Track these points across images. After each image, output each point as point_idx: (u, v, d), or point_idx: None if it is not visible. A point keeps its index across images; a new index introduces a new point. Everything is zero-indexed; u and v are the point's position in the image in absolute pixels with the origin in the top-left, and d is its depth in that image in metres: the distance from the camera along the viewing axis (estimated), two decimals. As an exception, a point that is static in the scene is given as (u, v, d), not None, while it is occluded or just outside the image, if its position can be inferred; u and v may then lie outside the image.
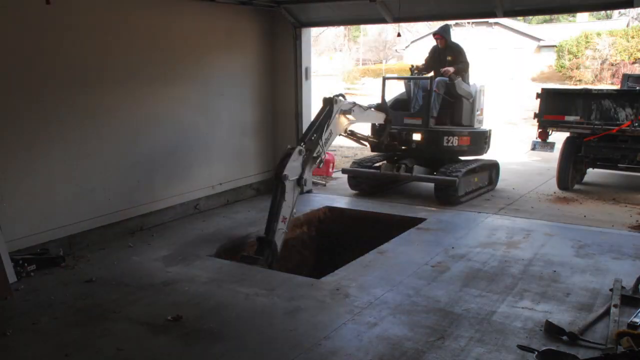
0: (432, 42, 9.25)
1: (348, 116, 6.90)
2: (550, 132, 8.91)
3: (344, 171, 8.90)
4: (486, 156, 9.06)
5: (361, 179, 8.64)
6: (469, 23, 31.99)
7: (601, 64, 30.08)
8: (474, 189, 8.43)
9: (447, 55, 8.82)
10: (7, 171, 5.38)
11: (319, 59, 40.40)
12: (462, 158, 8.73)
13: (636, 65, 29.28)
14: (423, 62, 9.10)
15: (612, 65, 29.94)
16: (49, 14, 5.39)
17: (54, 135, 5.76)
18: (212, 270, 5.51)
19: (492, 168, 8.99)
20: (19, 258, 5.30)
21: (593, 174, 9.66)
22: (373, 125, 8.44)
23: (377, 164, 8.73)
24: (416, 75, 8.74)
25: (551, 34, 34.72)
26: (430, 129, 8.31)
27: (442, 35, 8.74)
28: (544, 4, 7.32)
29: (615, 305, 4.43)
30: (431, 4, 7.45)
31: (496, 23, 33.83)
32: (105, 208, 6.31)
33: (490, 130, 9.05)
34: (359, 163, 8.81)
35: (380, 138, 8.26)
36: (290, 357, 3.82)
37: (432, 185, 8.33)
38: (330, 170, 10.07)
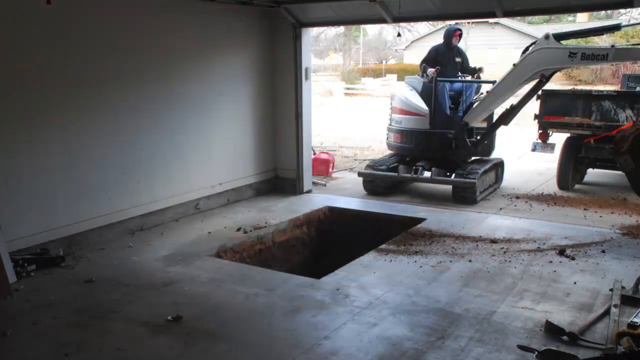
0: (433, 42, 9.28)
1: None
2: (551, 133, 8.92)
3: (359, 174, 8.91)
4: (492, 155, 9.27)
5: (377, 181, 8.71)
6: (469, 23, 31.98)
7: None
8: (486, 187, 8.56)
9: (456, 56, 8.94)
10: (7, 171, 5.38)
11: (319, 59, 40.41)
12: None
13: (636, 65, 29.27)
14: (422, 63, 9.04)
15: (612, 65, 29.93)
16: (49, 14, 5.39)
17: (54, 135, 5.76)
18: (212, 270, 5.51)
19: (498, 167, 9.13)
20: (19, 258, 5.30)
21: (593, 174, 9.66)
22: None
23: (393, 166, 8.81)
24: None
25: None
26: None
27: (461, 32, 8.96)
28: (544, 4, 7.30)
29: (615, 305, 4.43)
30: (431, 4, 7.44)
31: (496, 23, 33.84)
32: (105, 208, 6.31)
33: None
34: (375, 165, 8.83)
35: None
36: (290, 357, 3.82)
37: (434, 185, 8.51)
38: (330, 170, 10.08)
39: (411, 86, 8.95)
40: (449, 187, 8.40)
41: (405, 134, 8.78)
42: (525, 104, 7.87)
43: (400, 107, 8.90)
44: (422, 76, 8.90)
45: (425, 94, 8.66)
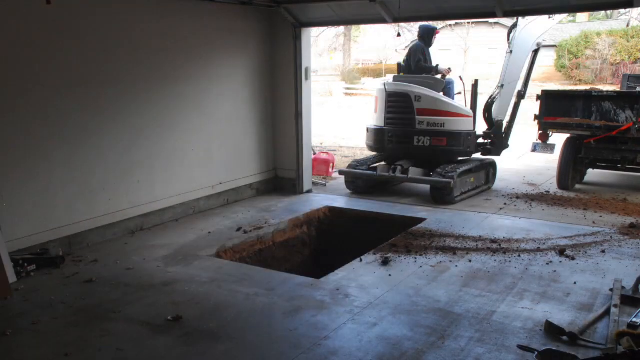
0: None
1: None
2: (551, 133, 8.92)
3: (340, 172, 8.92)
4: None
5: (358, 180, 8.67)
6: (468, 23, 32.00)
7: (601, 64, 30.10)
8: (470, 188, 8.48)
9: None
10: (7, 171, 5.38)
11: (319, 59, 40.40)
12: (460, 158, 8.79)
13: (636, 65, 29.31)
14: (423, 62, 8.92)
15: (612, 65, 29.97)
16: (49, 14, 5.40)
17: (54, 135, 5.76)
18: (212, 270, 5.51)
19: (489, 167, 9.02)
20: (19, 258, 5.30)
21: (593, 173, 9.67)
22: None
23: (374, 165, 8.78)
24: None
25: (551, 34, 34.75)
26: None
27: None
28: (544, 4, 7.31)
29: (615, 305, 4.43)
30: (431, 4, 7.44)
31: (496, 23, 33.85)
32: (105, 208, 6.31)
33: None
34: (356, 165, 8.80)
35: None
36: (290, 357, 3.82)
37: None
38: (330, 170, 10.08)
39: None
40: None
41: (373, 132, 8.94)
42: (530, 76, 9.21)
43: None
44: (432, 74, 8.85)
45: None
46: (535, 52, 8.95)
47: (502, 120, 8.97)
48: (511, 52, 8.80)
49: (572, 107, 8.57)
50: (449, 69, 8.85)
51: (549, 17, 8.63)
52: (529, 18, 8.55)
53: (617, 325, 4.09)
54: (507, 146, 9.23)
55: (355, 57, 42.42)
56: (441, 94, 8.55)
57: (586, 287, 5.00)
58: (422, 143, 8.45)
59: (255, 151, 8.48)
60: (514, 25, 8.83)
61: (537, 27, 8.76)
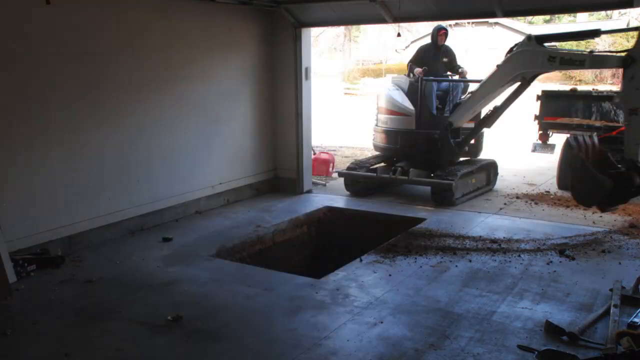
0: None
1: None
2: (551, 133, 8.92)
3: (340, 174, 8.83)
4: (484, 156, 9.13)
5: (358, 181, 8.62)
6: (469, 23, 31.99)
7: (601, 64, 30.04)
8: (471, 190, 8.41)
9: (443, 56, 8.74)
10: (7, 171, 5.38)
11: (319, 59, 40.39)
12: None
13: (636, 65, 29.22)
14: (409, 63, 8.83)
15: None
16: (49, 14, 5.40)
17: (54, 135, 5.75)
18: (212, 270, 5.51)
19: (490, 168, 8.97)
20: (19, 258, 5.30)
21: (593, 174, 9.65)
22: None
23: (374, 167, 8.75)
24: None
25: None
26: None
27: (447, 31, 8.68)
28: (544, 4, 7.31)
29: (615, 305, 4.43)
30: (431, 4, 7.44)
31: (496, 23, 33.84)
32: (105, 208, 6.31)
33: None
34: (356, 166, 8.75)
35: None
36: (290, 357, 3.82)
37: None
38: (330, 170, 10.08)
39: (397, 85, 8.82)
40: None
41: (390, 134, 8.69)
42: (508, 106, 7.39)
43: (386, 107, 8.76)
44: (409, 76, 8.77)
45: (411, 93, 8.55)
46: (521, 86, 7.01)
47: (452, 124, 7.94)
48: (497, 66, 7.20)
49: (572, 107, 8.57)
50: (423, 69, 8.42)
51: (549, 61, 6.51)
52: (533, 45, 6.66)
53: (617, 325, 4.09)
54: (454, 154, 8.23)
55: (355, 57, 42.42)
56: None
57: (586, 287, 5.00)
58: (376, 141, 9.09)
59: (255, 151, 8.47)
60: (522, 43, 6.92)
61: (530, 61, 6.72)
